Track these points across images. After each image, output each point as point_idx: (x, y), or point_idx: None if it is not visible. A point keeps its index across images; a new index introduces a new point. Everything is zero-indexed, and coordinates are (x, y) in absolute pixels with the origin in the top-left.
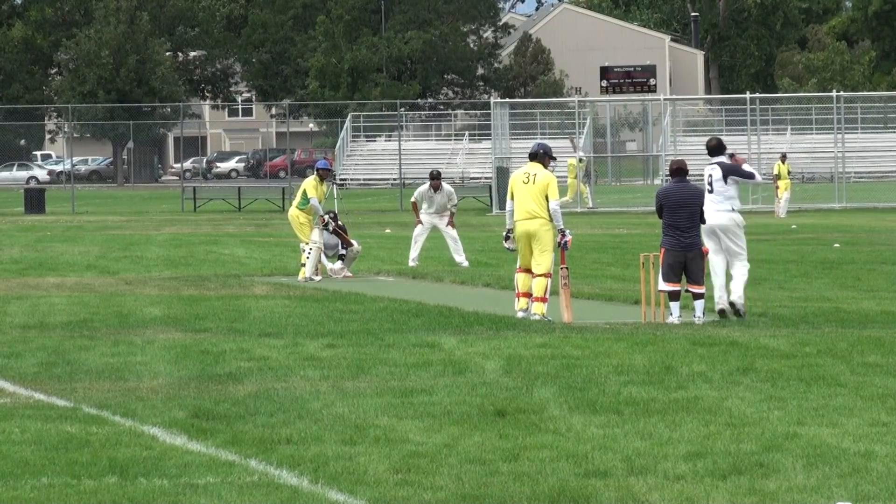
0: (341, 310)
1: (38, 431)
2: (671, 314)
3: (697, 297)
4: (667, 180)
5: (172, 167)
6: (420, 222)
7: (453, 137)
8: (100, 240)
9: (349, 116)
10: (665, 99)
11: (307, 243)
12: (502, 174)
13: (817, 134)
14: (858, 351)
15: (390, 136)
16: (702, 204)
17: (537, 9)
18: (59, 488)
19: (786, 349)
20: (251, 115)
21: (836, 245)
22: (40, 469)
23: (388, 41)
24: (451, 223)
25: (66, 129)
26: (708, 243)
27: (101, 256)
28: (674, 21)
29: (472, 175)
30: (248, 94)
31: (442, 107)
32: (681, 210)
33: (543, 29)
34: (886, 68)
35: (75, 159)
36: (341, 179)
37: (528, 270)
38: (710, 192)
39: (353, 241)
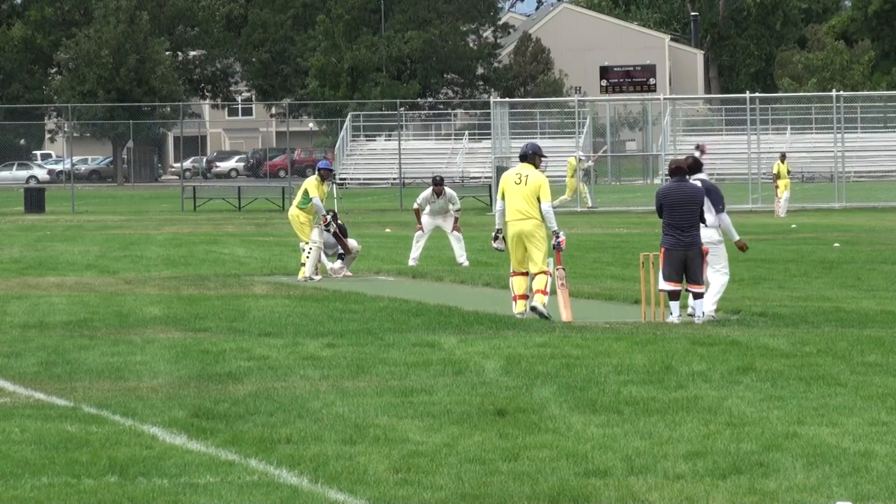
0: (341, 309)
1: (38, 431)
2: (671, 314)
3: (697, 296)
4: (666, 180)
5: (172, 167)
6: (421, 228)
7: (453, 137)
8: (100, 239)
9: (349, 116)
10: (665, 98)
11: (307, 243)
12: (502, 174)
13: (817, 133)
14: (858, 350)
15: (390, 135)
16: (702, 203)
17: (537, 8)
18: (59, 488)
19: (786, 349)
20: (251, 114)
21: (836, 244)
22: (40, 469)
23: (387, 41)
24: (456, 227)
25: (65, 129)
26: None
27: (100, 256)
28: (673, 21)
29: (472, 175)
30: (248, 94)
31: (442, 106)
32: (681, 209)
33: (543, 28)
34: (886, 68)
35: (75, 159)
36: (341, 179)
37: (523, 273)
38: None
39: (353, 241)
